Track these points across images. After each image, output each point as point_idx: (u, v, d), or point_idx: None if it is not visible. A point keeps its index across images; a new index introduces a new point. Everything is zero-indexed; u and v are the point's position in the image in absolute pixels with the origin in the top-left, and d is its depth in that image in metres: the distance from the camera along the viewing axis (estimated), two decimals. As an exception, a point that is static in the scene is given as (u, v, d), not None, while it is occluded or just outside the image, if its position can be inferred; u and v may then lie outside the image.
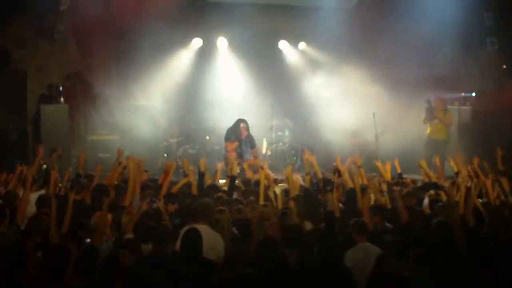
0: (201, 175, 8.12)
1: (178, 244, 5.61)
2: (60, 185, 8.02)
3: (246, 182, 8.59)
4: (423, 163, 9.09)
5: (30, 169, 7.85)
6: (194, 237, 5.36)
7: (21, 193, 7.60)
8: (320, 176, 8.52)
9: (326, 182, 6.99)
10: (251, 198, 7.20)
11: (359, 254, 5.58)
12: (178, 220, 6.48)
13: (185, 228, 5.67)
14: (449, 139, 13.32)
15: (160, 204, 6.38)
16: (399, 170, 9.33)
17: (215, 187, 8.14)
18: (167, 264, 5.20)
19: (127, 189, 7.20)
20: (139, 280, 4.93)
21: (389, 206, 7.01)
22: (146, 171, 8.51)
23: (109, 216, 6.11)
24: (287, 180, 8.08)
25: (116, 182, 8.03)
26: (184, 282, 5.02)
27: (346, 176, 7.95)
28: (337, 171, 8.50)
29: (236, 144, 12.42)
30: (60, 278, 4.90)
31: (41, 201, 6.80)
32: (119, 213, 6.39)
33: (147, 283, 4.93)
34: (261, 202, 7.12)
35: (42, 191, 7.60)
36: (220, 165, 9.27)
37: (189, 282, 5.01)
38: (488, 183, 7.56)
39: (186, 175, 8.27)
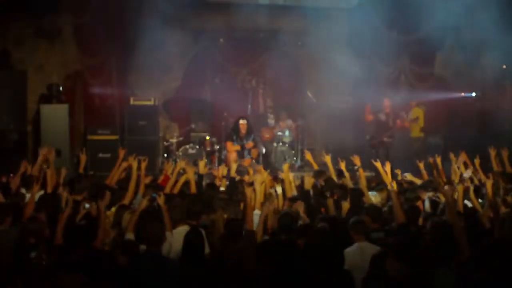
0: (200, 176, 8.17)
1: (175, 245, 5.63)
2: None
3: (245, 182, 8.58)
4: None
5: (34, 170, 7.91)
6: (197, 238, 5.36)
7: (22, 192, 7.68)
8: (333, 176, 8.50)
9: (326, 187, 7.01)
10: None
11: (357, 254, 5.57)
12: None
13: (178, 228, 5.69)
14: (425, 135, 13.63)
15: (160, 200, 6.37)
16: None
17: (214, 186, 8.15)
18: (164, 264, 5.19)
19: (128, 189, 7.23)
20: (133, 281, 4.93)
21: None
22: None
23: (109, 216, 6.14)
24: (282, 179, 8.10)
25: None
26: (183, 283, 5.02)
27: (347, 179, 7.92)
28: (340, 173, 8.57)
29: (238, 147, 12.46)
30: (59, 278, 4.91)
31: (40, 201, 6.80)
32: (121, 213, 6.40)
33: (142, 284, 4.92)
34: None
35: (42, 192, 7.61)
36: (221, 168, 9.26)
37: (189, 283, 5.01)
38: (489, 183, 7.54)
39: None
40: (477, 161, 9.34)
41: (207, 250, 5.72)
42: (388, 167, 9.08)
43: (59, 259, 5.13)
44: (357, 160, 9.21)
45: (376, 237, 5.95)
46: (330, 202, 6.76)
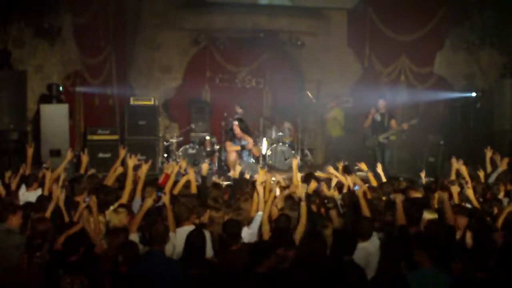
0: (203, 178, 8.16)
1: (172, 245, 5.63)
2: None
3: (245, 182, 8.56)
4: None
5: (27, 169, 7.92)
6: (199, 238, 5.35)
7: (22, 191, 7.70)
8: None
9: (328, 199, 6.99)
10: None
11: (359, 254, 5.57)
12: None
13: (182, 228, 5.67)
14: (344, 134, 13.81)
15: (165, 199, 6.34)
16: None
17: (216, 186, 8.14)
18: (167, 265, 5.18)
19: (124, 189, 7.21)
20: (135, 281, 4.92)
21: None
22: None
23: (101, 217, 6.16)
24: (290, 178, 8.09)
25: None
26: (184, 283, 5.02)
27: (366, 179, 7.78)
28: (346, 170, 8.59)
29: (238, 147, 12.46)
30: (59, 279, 4.92)
31: (39, 202, 6.81)
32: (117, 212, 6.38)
33: (144, 284, 4.92)
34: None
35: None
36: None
37: (190, 283, 5.01)
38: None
39: (184, 175, 8.27)
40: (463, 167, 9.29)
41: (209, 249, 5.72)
42: (379, 167, 9.16)
43: (59, 260, 5.14)
44: (363, 166, 9.17)
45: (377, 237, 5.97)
46: (333, 213, 6.68)
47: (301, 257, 4.94)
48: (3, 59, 11.72)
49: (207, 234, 5.89)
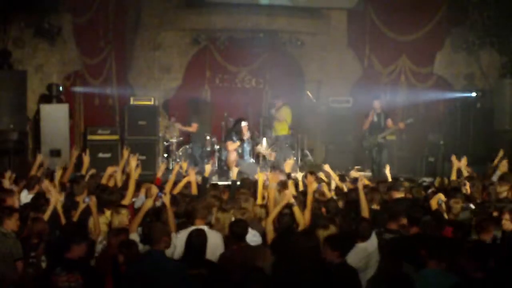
0: (205, 179, 8.17)
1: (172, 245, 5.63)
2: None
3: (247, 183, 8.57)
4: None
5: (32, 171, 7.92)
6: (199, 238, 5.34)
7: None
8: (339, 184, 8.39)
9: (328, 200, 7.02)
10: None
11: (359, 254, 5.58)
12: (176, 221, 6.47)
13: (186, 230, 5.68)
14: (291, 133, 13.41)
15: (165, 199, 6.35)
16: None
17: (217, 187, 8.16)
18: (166, 264, 5.18)
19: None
20: (134, 280, 4.92)
21: None
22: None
23: (103, 217, 6.18)
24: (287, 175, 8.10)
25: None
26: (183, 283, 5.02)
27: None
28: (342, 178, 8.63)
29: (237, 144, 12.43)
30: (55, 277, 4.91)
31: (35, 200, 6.81)
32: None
33: (143, 284, 4.92)
34: (259, 202, 7.14)
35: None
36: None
37: (189, 283, 5.01)
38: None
39: (185, 176, 8.27)
40: (464, 162, 9.28)
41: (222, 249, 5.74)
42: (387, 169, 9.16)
43: (56, 258, 5.13)
44: (355, 173, 9.11)
45: (387, 238, 5.98)
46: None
47: (293, 257, 4.95)
48: (3, 59, 11.75)
49: (218, 234, 5.90)
